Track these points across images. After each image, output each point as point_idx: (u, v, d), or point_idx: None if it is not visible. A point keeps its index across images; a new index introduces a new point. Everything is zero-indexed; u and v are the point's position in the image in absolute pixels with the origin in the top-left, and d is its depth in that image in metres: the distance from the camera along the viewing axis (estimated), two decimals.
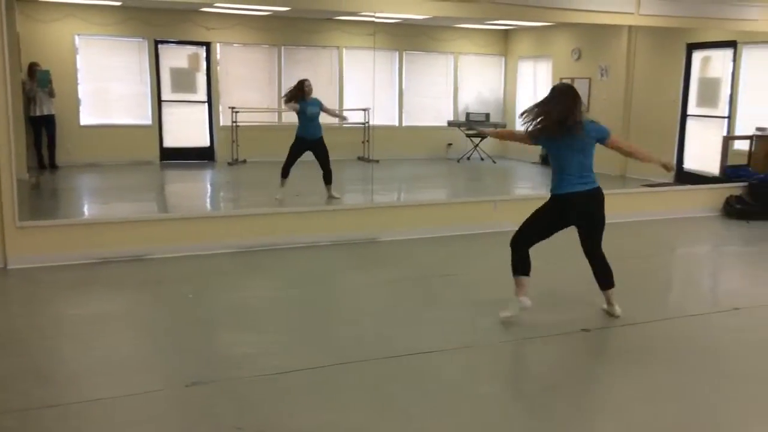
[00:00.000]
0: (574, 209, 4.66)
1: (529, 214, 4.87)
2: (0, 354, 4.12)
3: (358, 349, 4.24)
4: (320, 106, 8.66)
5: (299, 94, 8.52)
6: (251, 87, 12.94)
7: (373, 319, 4.87)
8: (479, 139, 13.67)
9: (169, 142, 12.54)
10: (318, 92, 13.04)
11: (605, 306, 4.86)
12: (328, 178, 8.66)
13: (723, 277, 6.72)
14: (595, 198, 4.68)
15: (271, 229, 6.80)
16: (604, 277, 4.77)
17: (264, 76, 13.12)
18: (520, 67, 14.74)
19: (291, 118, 12.93)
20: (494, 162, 13.57)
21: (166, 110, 12.53)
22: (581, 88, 12.73)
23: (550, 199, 4.76)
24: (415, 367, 4.01)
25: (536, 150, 13.66)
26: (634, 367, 4.08)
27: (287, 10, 10.85)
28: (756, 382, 3.89)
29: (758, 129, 9.59)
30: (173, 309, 5.05)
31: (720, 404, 3.62)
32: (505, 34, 14.78)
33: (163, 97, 12.46)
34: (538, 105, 4.63)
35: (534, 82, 14.46)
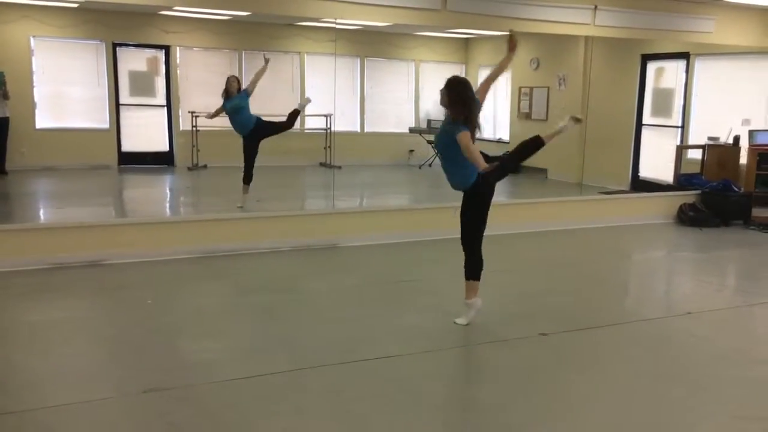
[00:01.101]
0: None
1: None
2: None
3: (319, 354, 4.24)
4: (245, 95, 8.35)
5: (223, 96, 8.38)
6: (212, 91, 12.67)
7: (333, 324, 4.87)
8: None
9: (128, 146, 12.36)
10: (279, 98, 13.02)
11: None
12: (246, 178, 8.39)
13: (676, 282, 6.89)
14: None
15: (231, 234, 6.76)
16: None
17: (224, 81, 12.99)
18: (480, 75, 14.91)
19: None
20: None
21: (125, 114, 12.35)
22: (540, 97, 13.02)
23: (482, 190, 4.77)
24: (375, 372, 4.03)
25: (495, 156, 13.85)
26: (590, 371, 4.17)
27: (248, 15, 10.80)
28: (706, 385, 4.00)
29: (710, 138, 9.88)
30: (131, 315, 4.97)
31: (673, 406, 3.71)
32: (466, 43, 14.95)
33: (122, 101, 12.28)
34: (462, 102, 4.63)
35: (494, 90, 14.56)
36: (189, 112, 11.92)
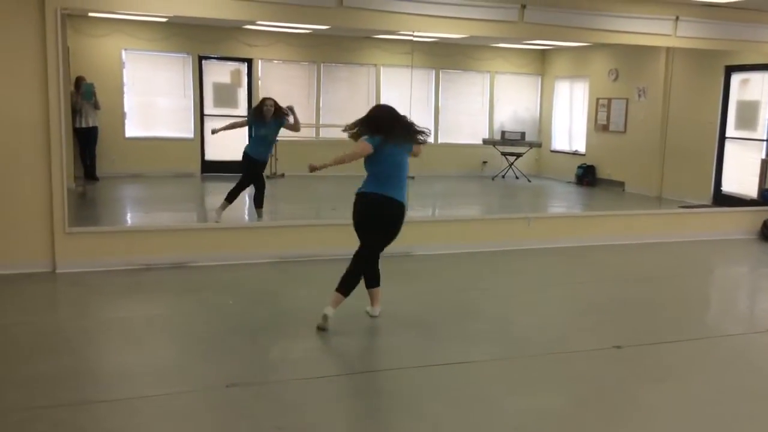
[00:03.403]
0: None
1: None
2: (51, 354, 4.31)
3: (373, 360, 4.32)
4: (281, 124, 8.11)
5: (255, 115, 8.07)
6: (291, 102, 13.14)
7: (404, 330, 4.95)
8: (514, 157, 13.73)
9: (211, 155, 12.84)
10: (355, 110, 13.15)
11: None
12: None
13: (758, 298, 6.67)
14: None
15: (308, 240, 6.96)
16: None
17: (303, 92, 13.38)
18: (556, 86, 14.78)
19: (328, 133, 13.23)
20: (529, 180, 13.60)
21: (209, 124, 12.85)
22: (619, 108, 12.81)
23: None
24: (444, 377, 4.09)
25: (572, 169, 13.71)
26: (664, 385, 4.11)
27: (326, 29, 11.09)
28: None
29: None
30: (215, 315, 5.20)
31: (747, 421, 3.63)
32: (542, 54, 14.85)
33: (206, 112, 12.78)
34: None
35: (570, 102, 14.49)
36: None
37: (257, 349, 4.55)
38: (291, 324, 5.03)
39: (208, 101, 12.81)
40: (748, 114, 10.75)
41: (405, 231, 7.44)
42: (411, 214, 8.96)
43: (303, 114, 13.13)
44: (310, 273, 6.47)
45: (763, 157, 10.20)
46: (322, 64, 13.36)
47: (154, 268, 6.29)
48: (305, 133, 13.16)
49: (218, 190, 11.87)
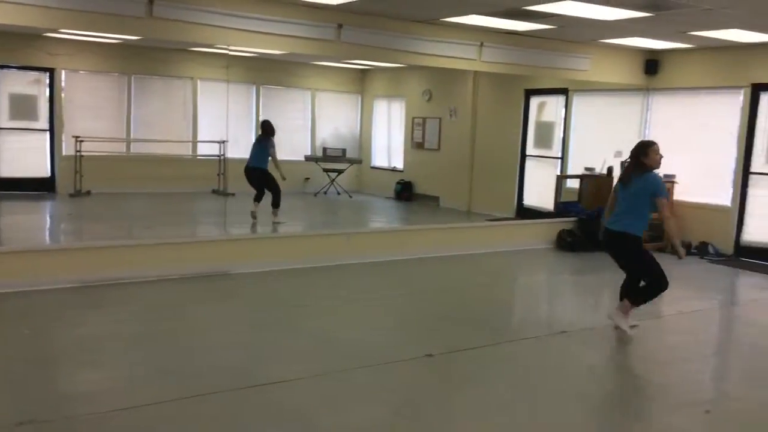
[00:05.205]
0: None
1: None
2: None
3: (208, 381, 4.19)
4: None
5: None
6: (98, 116, 12.43)
7: (223, 350, 4.83)
8: (336, 173, 13.93)
9: (6, 171, 11.74)
10: (171, 124, 12.79)
11: None
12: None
13: (555, 303, 7.27)
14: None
15: (117, 262, 6.55)
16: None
17: (113, 105, 12.66)
18: (375, 105, 15.25)
19: (141, 149, 12.62)
20: (350, 196, 13.85)
21: (3, 138, 11.75)
22: (433, 127, 13.46)
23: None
24: (266, 397, 4.02)
25: (391, 185, 14.16)
26: (470, 389, 4.34)
27: (137, 39, 10.60)
28: (575, 397, 4.26)
29: (586, 169, 10.53)
30: (8, 346, 4.73)
31: (544, 416, 3.93)
32: (362, 74, 15.26)
33: (1, 125, 11.68)
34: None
35: (388, 121, 15.00)
36: (73, 136, 11.48)
37: (56, 382, 4.18)
38: (94, 353, 4.69)
39: (3, 114, 11.72)
40: (545, 134, 11.76)
41: (222, 249, 7.32)
42: (229, 231, 8.83)
43: (113, 128, 12.49)
44: (117, 298, 6.09)
45: (558, 173, 11.19)
46: (133, 76, 12.74)
47: None
48: (115, 148, 12.49)
49: (14, 209, 10.93)
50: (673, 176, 9.62)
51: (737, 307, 7.17)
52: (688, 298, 6.80)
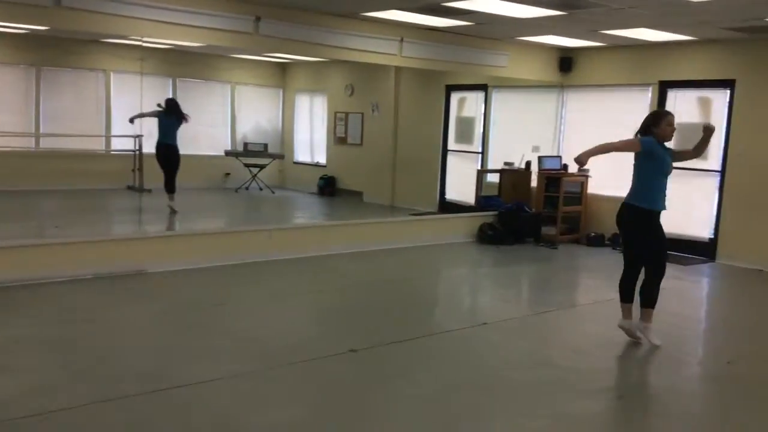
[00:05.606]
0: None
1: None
2: None
3: (123, 385, 4.04)
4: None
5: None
6: (4, 110, 11.80)
7: (139, 353, 4.67)
8: (258, 168, 13.73)
9: None
10: (82, 118, 12.31)
11: None
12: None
13: (476, 295, 7.40)
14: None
15: (27, 263, 6.24)
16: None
17: (19, 99, 12.05)
18: (297, 100, 15.11)
19: (51, 143, 12.08)
20: (273, 192, 13.68)
21: None
22: (355, 122, 13.45)
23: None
24: (181, 400, 3.92)
25: (314, 180, 14.06)
26: (394, 383, 4.35)
27: (46, 29, 10.12)
28: (498, 387, 4.34)
29: (506, 163, 10.75)
30: None
31: (467, 409, 3.98)
32: (283, 68, 15.08)
33: None
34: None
35: (311, 115, 14.89)
36: None
37: None
38: (2, 358, 4.46)
39: None
40: (466, 129, 11.94)
41: (137, 247, 7.08)
42: (145, 228, 8.56)
43: (20, 123, 11.90)
44: (26, 299, 5.81)
45: (478, 168, 11.39)
46: (42, 68, 12.16)
47: None
48: (23, 143, 11.91)
49: None
50: (587, 170, 9.96)
51: None
52: (602, 287, 7.03)
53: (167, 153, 10.02)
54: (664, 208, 5.04)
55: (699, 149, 5.10)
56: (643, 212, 5.01)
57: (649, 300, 5.14)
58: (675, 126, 4.99)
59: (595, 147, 5.03)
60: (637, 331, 5.24)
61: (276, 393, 4.12)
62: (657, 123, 4.97)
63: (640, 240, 5.10)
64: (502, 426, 3.81)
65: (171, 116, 10.03)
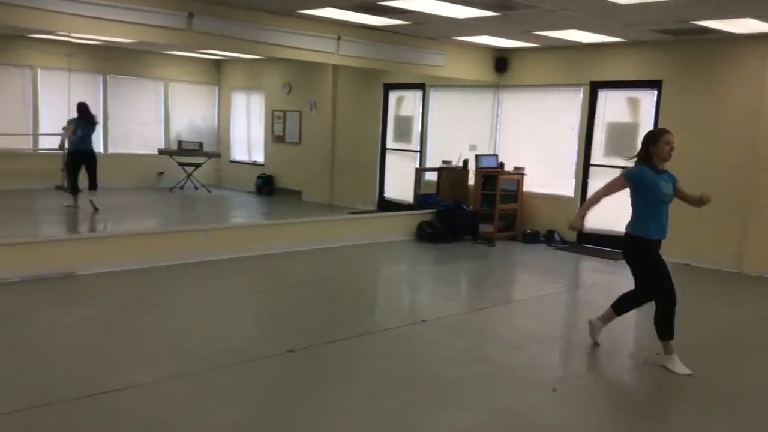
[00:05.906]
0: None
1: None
2: None
3: (51, 391, 3.90)
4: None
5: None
6: None
7: (69, 357, 4.52)
8: (192, 167, 13.47)
9: None
10: (8, 116, 11.87)
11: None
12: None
13: (415, 293, 7.44)
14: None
15: None
16: None
17: None
18: (233, 97, 14.89)
19: None
20: (209, 191, 13.45)
21: None
22: (293, 120, 13.35)
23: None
24: (112, 404, 3.80)
25: (252, 179, 13.89)
26: (333, 382, 4.34)
27: None
28: (436, 383, 4.38)
29: (444, 162, 10.86)
30: None
31: (407, 405, 4.00)
32: (218, 65, 14.83)
33: None
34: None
35: (248, 113, 14.70)
36: None
37: None
38: None
39: None
40: (404, 128, 12.00)
41: (66, 249, 6.84)
42: (74, 229, 8.27)
43: None
44: None
45: (417, 166, 11.46)
46: None
47: None
48: None
49: None
50: (522, 168, 10.16)
51: (581, 291, 7.67)
52: (538, 283, 7.19)
53: (87, 159, 10.05)
54: (662, 236, 4.92)
55: (690, 203, 5.04)
56: (639, 241, 4.85)
57: (664, 330, 4.87)
58: (673, 144, 4.81)
59: (584, 205, 5.00)
60: (598, 335, 5.26)
61: (213, 395, 4.05)
62: (655, 143, 4.78)
63: (641, 269, 4.97)
64: (438, 422, 3.84)
65: (86, 121, 9.96)
